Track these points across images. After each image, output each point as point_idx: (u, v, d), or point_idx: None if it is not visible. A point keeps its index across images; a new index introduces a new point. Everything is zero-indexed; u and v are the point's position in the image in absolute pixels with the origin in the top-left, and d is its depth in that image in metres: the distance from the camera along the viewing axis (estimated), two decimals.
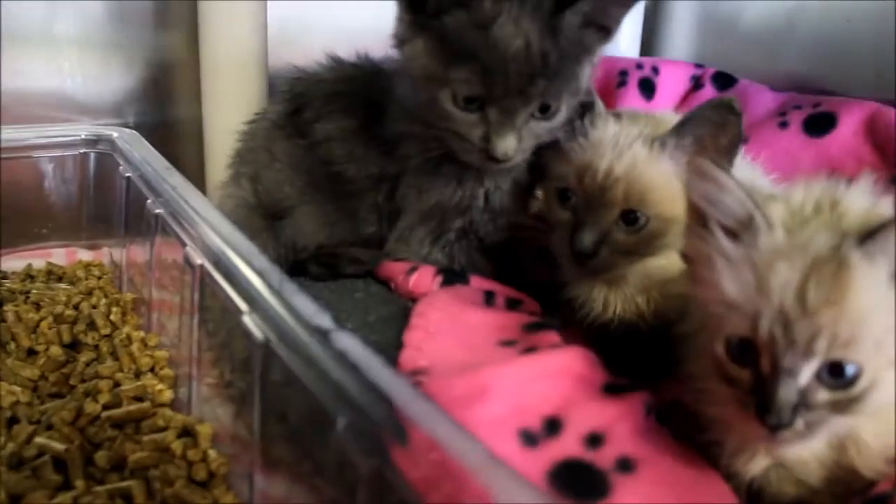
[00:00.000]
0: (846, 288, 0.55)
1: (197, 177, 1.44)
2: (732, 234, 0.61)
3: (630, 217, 0.83)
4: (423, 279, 0.94)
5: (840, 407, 0.57)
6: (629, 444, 0.65)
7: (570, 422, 0.65)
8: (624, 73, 1.53)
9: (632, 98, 1.49)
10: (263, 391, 0.71)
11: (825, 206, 0.62)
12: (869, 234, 0.56)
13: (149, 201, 1.00)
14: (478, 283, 0.94)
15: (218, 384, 0.86)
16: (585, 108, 0.89)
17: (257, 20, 1.39)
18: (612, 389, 0.70)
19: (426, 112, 0.90)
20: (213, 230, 0.83)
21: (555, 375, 0.68)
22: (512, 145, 0.85)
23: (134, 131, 1.23)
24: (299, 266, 1.05)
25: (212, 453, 0.81)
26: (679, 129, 0.84)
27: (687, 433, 0.70)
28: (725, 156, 0.82)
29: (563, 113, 0.89)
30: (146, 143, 1.18)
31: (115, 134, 1.22)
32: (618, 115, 0.89)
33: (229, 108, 1.34)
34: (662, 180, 0.83)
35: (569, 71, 0.86)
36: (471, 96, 0.85)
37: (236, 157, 1.12)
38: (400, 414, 0.52)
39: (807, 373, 0.57)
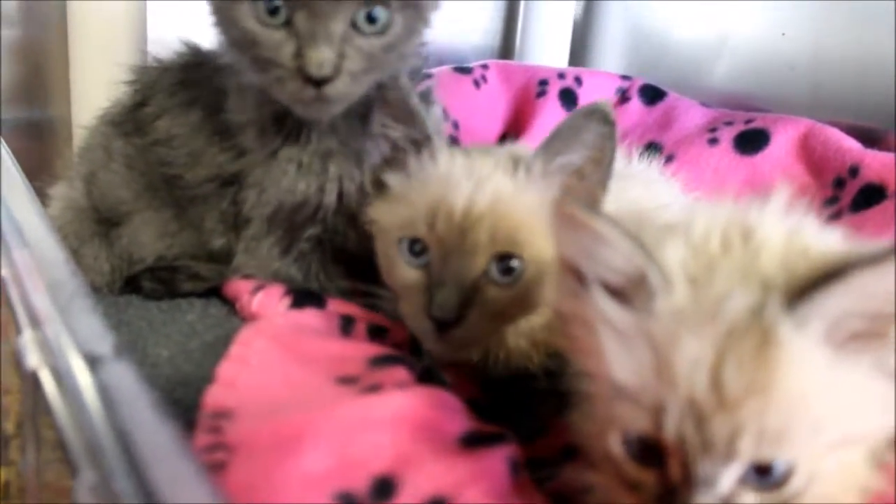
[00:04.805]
0: (774, 369, 0.42)
1: None
2: (619, 294, 0.47)
3: (505, 263, 0.68)
4: (269, 300, 0.79)
5: None
6: None
7: (406, 483, 0.50)
8: (544, 83, 1.41)
9: (552, 109, 1.37)
10: (37, 433, 0.58)
11: (735, 238, 0.48)
12: (800, 293, 0.43)
13: None
14: (336, 306, 0.80)
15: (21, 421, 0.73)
16: (420, 145, 0.73)
17: (133, 11, 1.27)
18: (469, 441, 0.56)
19: (233, 42, 0.77)
20: (18, 234, 0.71)
21: (393, 423, 0.53)
22: (328, 56, 0.70)
23: None
24: (133, 281, 0.90)
25: None
26: (545, 148, 0.70)
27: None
28: (602, 178, 0.69)
29: (397, 27, 0.74)
30: None
31: None
32: (466, 153, 0.74)
33: (99, 104, 1.20)
34: (535, 214, 0.68)
35: None
36: (271, 5, 0.71)
37: (76, 155, 0.98)
38: (148, 480, 0.39)
39: (728, 479, 0.44)
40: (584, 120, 0.67)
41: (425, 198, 0.69)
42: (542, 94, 1.40)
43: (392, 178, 0.74)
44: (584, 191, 0.69)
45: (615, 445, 0.47)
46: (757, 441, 0.42)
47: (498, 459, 0.55)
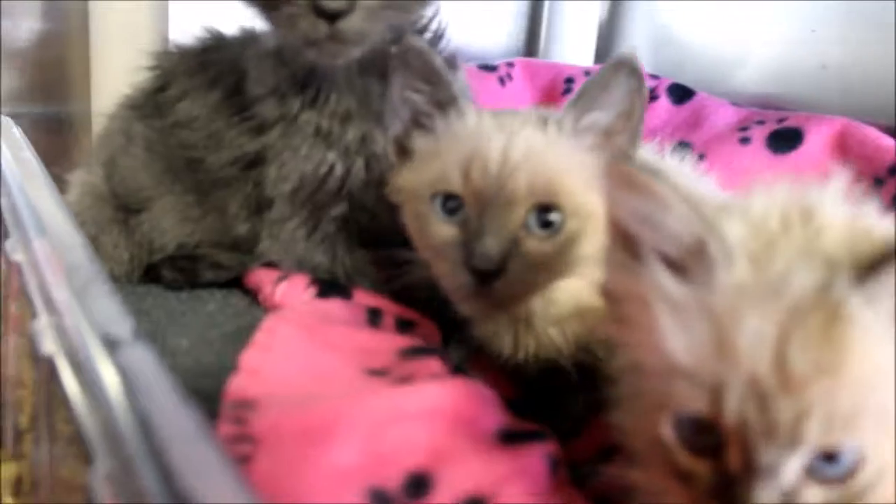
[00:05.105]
0: (843, 347, 0.39)
1: None
2: (676, 266, 0.45)
3: (544, 216, 0.64)
4: (293, 290, 0.76)
5: None
6: None
7: (441, 480, 0.48)
8: (570, 81, 1.39)
9: None
10: (50, 425, 0.56)
11: (795, 218, 0.46)
12: (870, 268, 0.41)
13: None
14: (363, 298, 0.77)
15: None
16: (446, 106, 0.70)
17: (154, 9, 1.27)
18: (508, 437, 0.53)
19: None
20: (35, 219, 0.70)
21: (428, 416, 0.50)
22: None
23: (7, 118, 1.08)
24: (154, 270, 0.88)
25: (9, 502, 0.65)
26: (574, 105, 0.67)
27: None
28: (633, 135, 0.67)
29: None
30: (16, 129, 1.03)
31: None
32: (493, 113, 0.71)
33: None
34: (570, 169, 0.65)
35: None
36: None
37: (95, 141, 0.96)
38: (169, 466, 0.36)
39: (793, 468, 0.41)
40: (612, 74, 0.66)
41: (457, 152, 0.66)
42: (568, 91, 1.38)
43: (418, 140, 0.71)
44: (615, 148, 0.67)
45: (666, 431, 0.44)
46: (825, 425, 0.39)
47: (537, 457, 0.52)
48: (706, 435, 0.43)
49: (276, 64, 0.81)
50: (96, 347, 0.47)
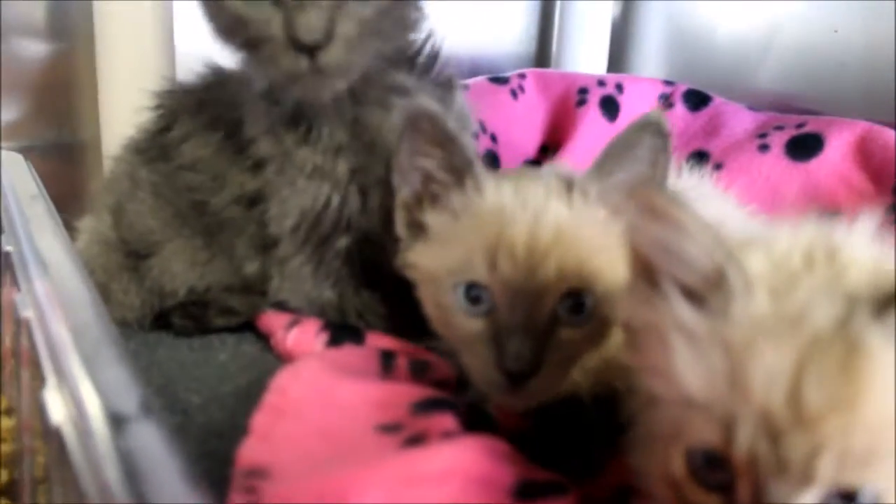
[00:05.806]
0: (860, 383, 0.38)
1: None
2: (694, 296, 0.44)
3: (573, 299, 0.62)
4: (305, 337, 0.75)
5: None
6: None
7: None
8: (584, 91, 1.37)
9: (593, 119, 1.33)
10: (63, 483, 0.56)
11: (819, 256, 0.46)
12: (889, 302, 0.40)
13: (2, 236, 0.84)
14: (375, 340, 0.76)
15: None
16: (461, 173, 0.67)
17: (161, 31, 1.25)
18: (527, 492, 0.52)
19: (223, 30, 0.75)
20: (44, 272, 0.68)
21: (443, 479, 0.49)
22: (317, 18, 0.67)
23: (17, 154, 1.07)
24: (163, 317, 0.88)
25: None
26: (599, 168, 0.65)
27: None
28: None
29: None
30: (26, 166, 1.03)
31: None
32: (512, 179, 0.68)
33: (129, 128, 1.19)
34: (599, 240, 0.63)
35: None
36: None
37: (102, 186, 0.96)
38: None
39: None
40: (638, 134, 0.64)
41: (480, 236, 0.63)
42: (582, 102, 1.35)
43: (432, 218, 0.68)
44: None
45: (677, 464, 0.44)
46: (839, 463, 0.39)
47: None
48: (717, 470, 0.42)
49: (268, 104, 0.80)
50: (101, 427, 0.46)
